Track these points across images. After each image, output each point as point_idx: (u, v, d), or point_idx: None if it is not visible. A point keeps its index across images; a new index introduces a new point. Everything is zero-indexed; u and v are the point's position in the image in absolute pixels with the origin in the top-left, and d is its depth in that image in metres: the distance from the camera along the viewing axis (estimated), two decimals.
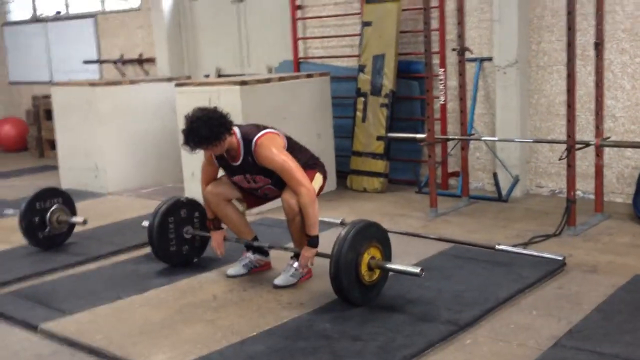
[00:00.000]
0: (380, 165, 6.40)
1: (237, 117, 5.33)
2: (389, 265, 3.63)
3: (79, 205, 5.33)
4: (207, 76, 8.33)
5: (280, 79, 6.20)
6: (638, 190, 5.15)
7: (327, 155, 6.00)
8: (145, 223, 4.46)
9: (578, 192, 5.42)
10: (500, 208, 5.59)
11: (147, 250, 4.53)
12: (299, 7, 7.23)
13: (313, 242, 3.82)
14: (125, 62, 9.19)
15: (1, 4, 11.11)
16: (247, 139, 3.86)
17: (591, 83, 5.21)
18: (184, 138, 3.76)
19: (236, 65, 8.12)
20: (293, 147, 4.00)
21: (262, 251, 4.27)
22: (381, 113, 6.39)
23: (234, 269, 4.24)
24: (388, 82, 6.34)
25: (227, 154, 3.91)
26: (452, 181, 6.32)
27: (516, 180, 5.83)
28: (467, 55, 5.72)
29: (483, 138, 5.86)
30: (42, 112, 9.57)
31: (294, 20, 7.19)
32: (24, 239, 4.91)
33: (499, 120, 5.96)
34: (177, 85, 6.23)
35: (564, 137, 4.96)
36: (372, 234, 3.65)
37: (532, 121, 5.94)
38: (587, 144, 4.93)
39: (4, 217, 5.55)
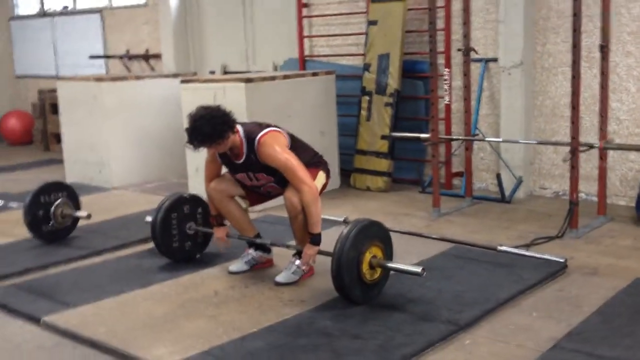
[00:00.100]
0: (384, 164, 6.41)
1: (242, 114, 5.36)
2: (390, 264, 3.65)
3: (84, 199, 5.36)
4: (212, 73, 8.35)
5: (286, 76, 6.22)
6: None
7: (331, 154, 6.01)
8: (149, 218, 4.48)
9: (581, 194, 5.42)
10: (503, 209, 5.59)
11: (151, 245, 4.55)
12: (305, 5, 7.25)
13: (315, 240, 3.84)
14: (131, 57, 9.22)
15: None
16: (250, 137, 3.87)
17: (596, 85, 5.21)
18: (187, 137, 3.78)
19: (242, 62, 8.14)
20: (296, 145, 4.02)
21: (264, 248, 4.29)
22: (386, 112, 6.40)
23: (236, 265, 4.26)
24: (393, 82, 6.35)
25: (230, 151, 3.92)
26: (455, 181, 6.33)
27: (519, 182, 5.83)
28: (472, 55, 5.73)
29: (487, 139, 5.87)
30: (48, 106, 9.61)
31: (300, 18, 7.21)
32: (28, 232, 4.94)
33: (504, 121, 5.97)
34: (183, 81, 6.25)
35: (568, 139, 4.97)
36: (374, 233, 3.66)
37: (537, 122, 5.94)
38: (591, 146, 4.93)
39: (8, 210, 5.56)
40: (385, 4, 6.42)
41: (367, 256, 3.58)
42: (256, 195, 4.24)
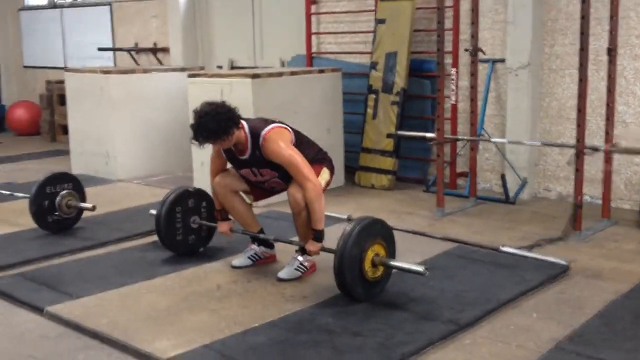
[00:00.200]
0: (389, 163, 6.42)
1: (249, 110, 5.38)
2: (392, 263, 3.66)
3: (89, 190, 5.39)
4: (220, 67, 8.37)
5: (293, 73, 6.23)
6: None
7: (336, 151, 6.02)
8: (153, 211, 4.50)
9: (585, 197, 5.42)
10: (507, 210, 5.60)
11: (155, 237, 4.57)
12: (314, 2, 7.25)
13: (318, 236, 3.85)
14: (139, 50, 9.23)
15: None
16: (255, 133, 3.88)
17: (603, 88, 5.20)
18: (192, 133, 3.80)
19: (249, 58, 8.15)
20: (301, 142, 4.02)
21: (268, 244, 4.30)
22: (392, 111, 6.40)
23: (239, 260, 4.28)
24: (400, 80, 6.36)
25: (235, 147, 3.93)
26: (460, 181, 6.33)
27: (524, 183, 5.83)
28: (480, 56, 5.72)
29: (492, 139, 5.87)
30: (55, 97, 9.64)
31: (308, 15, 7.21)
32: (33, 222, 4.97)
33: (509, 122, 5.96)
34: (190, 75, 6.27)
35: (573, 141, 4.97)
36: (377, 231, 3.67)
37: (542, 124, 5.94)
38: (596, 149, 4.93)
39: (14, 200, 5.59)
40: (393, 3, 6.42)
41: (370, 254, 3.59)
42: (260, 191, 4.25)
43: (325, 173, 4.08)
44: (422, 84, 6.53)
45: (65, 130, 8.69)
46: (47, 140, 9.84)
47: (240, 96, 5.60)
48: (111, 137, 7.08)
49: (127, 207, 5.82)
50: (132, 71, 7.36)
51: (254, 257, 4.28)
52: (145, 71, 7.40)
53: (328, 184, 4.12)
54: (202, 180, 5.59)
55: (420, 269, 3.54)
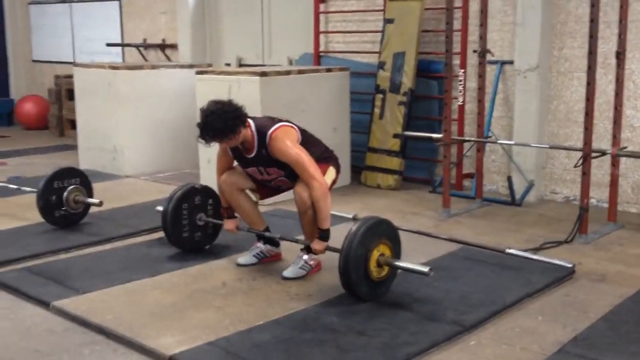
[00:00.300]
0: (395, 163, 6.42)
1: (256, 108, 5.39)
2: (397, 263, 3.66)
3: (96, 186, 5.41)
4: (228, 65, 8.38)
5: (300, 71, 6.24)
6: None
7: (342, 150, 6.03)
8: (160, 208, 4.52)
9: (592, 201, 5.42)
10: (513, 212, 5.59)
11: (161, 234, 4.59)
12: (323, 1, 7.25)
13: (324, 235, 3.85)
14: (147, 46, 9.26)
15: None
16: (261, 132, 3.89)
17: (611, 92, 5.19)
18: (199, 132, 3.81)
19: (257, 56, 8.16)
20: (307, 140, 4.03)
21: (273, 242, 4.31)
22: (399, 111, 6.40)
23: (245, 258, 4.29)
24: (407, 80, 6.36)
25: (242, 146, 3.94)
26: (466, 182, 6.33)
27: (531, 185, 5.83)
28: (488, 57, 5.71)
29: (499, 141, 5.86)
30: (64, 92, 9.68)
31: (317, 14, 7.22)
32: (40, 217, 4.99)
33: (517, 124, 5.96)
34: (198, 72, 6.28)
35: (581, 144, 4.96)
36: (382, 231, 3.68)
37: (550, 127, 5.93)
38: (603, 153, 4.92)
39: (21, 194, 5.62)
40: (402, 3, 6.42)
41: (375, 254, 3.60)
42: (266, 189, 4.26)
43: (331, 172, 4.08)
44: (429, 84, 6.53)
45: (73, 125, 8.72)
46: (55, 135, 9.88)
47: (248, 94, 5.61)
48: (119, 132, 7.10)
49: (134, 203, 5.84)
50: (140, 67, 7.38)
51: (260, 255, 4.29)
52: (153, 67, 7.42)
53: (334, 182, 4.12)
54: (209, 177, 5.61)
55: (425, 269, 3.55)
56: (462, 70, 6.19)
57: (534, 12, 5.70)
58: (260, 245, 4.31)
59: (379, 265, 3.62)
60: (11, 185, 5.75)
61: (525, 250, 4.45)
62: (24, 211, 5.40)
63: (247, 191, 4.25)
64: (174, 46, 8.90)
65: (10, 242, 4.72)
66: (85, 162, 7.38)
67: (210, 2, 8.54)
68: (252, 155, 3.96)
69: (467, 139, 5.96)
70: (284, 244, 4.32)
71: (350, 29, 7.20)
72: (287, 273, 4.03)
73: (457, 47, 6.06)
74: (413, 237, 4.76)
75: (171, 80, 7.29)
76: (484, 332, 3.32)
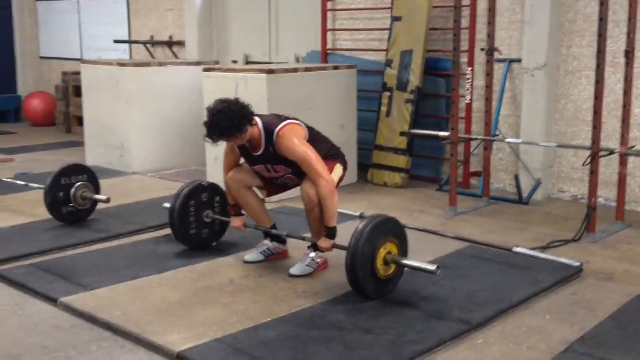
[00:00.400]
0: (402, 161, 6.41)
1: (263, 105, 5.39)
2: (404, 261, 3.66)
3: (103, 183, 5.42)
4: (235, 62, 8.38)
5: (307, 69, 6.23)
6: None
7: (349, 148, 6.03)
8: (167, 205, 4.53)
9: (600, 199, 5.40)
10: (521, 211, 5.58)
11: (168, 231, 4.60)
12: None
13: (331, 233, 3.85)
14: (155, 43, 9.27)
15: None
16: (269, 130, 3.89)
17: (620, 91, 5.17)
18: (206, 131, 3.81)
19: (264, 53, 8.16)
20: (314, 138, 4.03)
21: (280, 239, 4.32)
22: (406, 109, 6.39)
23: (252, 255, 4.30)
24: (415, 79, 6.35)
25: (249, 144, 3.94)
26: (473, 181, 6.32)
27: (538, 184, 5.81)
28: (496, 55, 5.70)
29: (507, 140, 5.84)
30: (71, 89, 9.71)
31: (324, 12, 7.21)
32: (48, 213, 5.01)
33: (524, 122, 5.94)
34: (205, 70, 6.29)
35: (589, 143, 4.94)
36: (389, 229, 3.67)
37: (558, 126, 5.91)
38: (611, 152, 4.90)
39: (29, 190, 5.63)
40: (410, 1, 6.41)
41: (382, 252, 3.59)
42: (274, 187, 4.27)
43: (338, 169, 4.08)
44: (437, 82, 6.52)
45: (80, 121, 8.74)
46: (62, 132, 9.91)
47: (255, 92, 5.62)
48: (126, 129, 7.12)
49: (141, 200, 5.85)
50: (147, 64, 7.39)
51: (267, 253, 4.29)
52: (160, 64, 7.43)
53: (341, 179, 4.12)
54: (216, 174, 5.62)
55: (432, 268, 3.54)
56: (470, 69, 6.18)
57: (543, 11, 5.69)
58: (267, 243, 4.31)
59: (386, 263, 3.61)
60: (19, 182, 5.77)
61: (533, 249, 4.44)
62: (32, 208, 5.42)
63: (254, 188, 4.25)
64: (181, 43, 8.91)
65: (18, 238, 4.74)
66: (92, 159, 7.40)
67: (218, 0, 8.54)
68: (260, 153, 3.96)
69: (474, 137, 5.95)
70: (290, 242, 4.33)
71: (357, 27, 7.19)
72: (294, 271, 4.03)
73: (465, 45, 6.05)
74: (420, 236, 4.76)
75: (178, 78, 7.30)
76: (491, 331, 3.31)
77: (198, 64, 7.39)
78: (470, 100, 6.21)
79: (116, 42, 9.59)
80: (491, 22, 5.58)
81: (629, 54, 4.85)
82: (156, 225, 4.97)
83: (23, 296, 3.77)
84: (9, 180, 5.97)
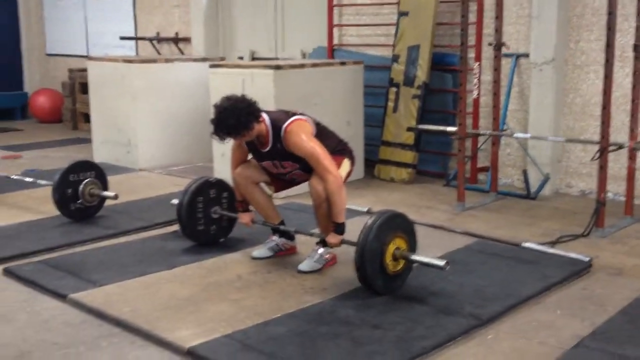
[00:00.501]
0: (409, 156, 6.40)
1: (270, 101, 5.39)
2: (413, 257, 3.65)
3: (111, 179, 5.42)
4: (241, 58, 8.38)
5: (314, 64, 6.23)
6: None
7: (356, 143, 5.99)
8: (175, 201, 4.53)
9: (608, 194, 5.37)
10: (529, 205, 5.56)
11: (176, 227, 4.60)
12: None
13: (339, 229, 3.85)
14: (161, 40, 9.27)
15: None
16: (276, 126, 3.88)
17: (628, 85, 5.14)
18: (213, 128, 3.80)
19: (270, 49, 8.15)
20: (321, 133, 4.02)
21: (288, 235, 4.31)
22: (413, 104, 6.38)
23: (260, 251, 4.30)
24: (421, 74, 6.33)
25: (257, 140, 3.94)
26: (481, 176, 6.30)
27: (546, 179, 5.79)
28: (504, 50, 5.68)
29: (515, 135, 5.83)
30: (77, 85, 9.72)
31: (331, 7, 7.19)
32: (56, 210, 5.02)
33: (532, 117, 5.92)
34: (212, 66, 6.28)
35: (597, 137, 4.92)
36: (398, 225, 3.66)
37: (566, 120, 5.89)
38: (620, 146, 4.88)
39: (37, 187, 5.64)
40: None
41: (391, 247, 3.58)
42: (281, 182, 4.26)
43: (346, 164, 4.07)
44: (443, 77, 6.50)
45: (87, 118, 8.76)
46: (68, 128, 9.93)
47: (262, 87, 5.61)
48: (133, 126, 7.12)
49: (148, 197, 5.86)
50: (153, 60, 7.39)
51: (275, 249, 4.29)
52: (167, 61, 7.43)
53: (349, 174, 4.12)
54: (223, 170, 5.62)
55: (441, 263, 3.53)
56: (477, 63, 6.15)
57: (550, 5, 5.66)
58: (275, 239, 4.31)
59: (395, 258, 3.61)
60: (27, 179, 5.78)
61: (541, 244, 4.43)
62: (40, 204, 5.43)
63: (262, 184, 4.25)
64: (187, 39, 8.90)
65: (27, 235, 4.75)
66: (99, 155, 7.41)
67: None
68: (267, 149, 3.96)
69: (482, 132, 5.93)
70: (299, 238, 4.32)
71: (364, 22, 7.17)
72: (302, 266, 4.03)
73: (472, 40, 6.03)
74: (427, 231, 4.75)
75: (184, 74, 7.30)
76: (501, 326, 3.31)
77: (204, 60, 7.39)
78: (478, 95, 6.19)
79: (122, 38, 9.60)
80: (498, 17, 5.56)
81: (638, 48, 4.82)
82: (164, 222, 4.98)
83: (32, 292, 3.78)
84: (17, 177, 5.98)
